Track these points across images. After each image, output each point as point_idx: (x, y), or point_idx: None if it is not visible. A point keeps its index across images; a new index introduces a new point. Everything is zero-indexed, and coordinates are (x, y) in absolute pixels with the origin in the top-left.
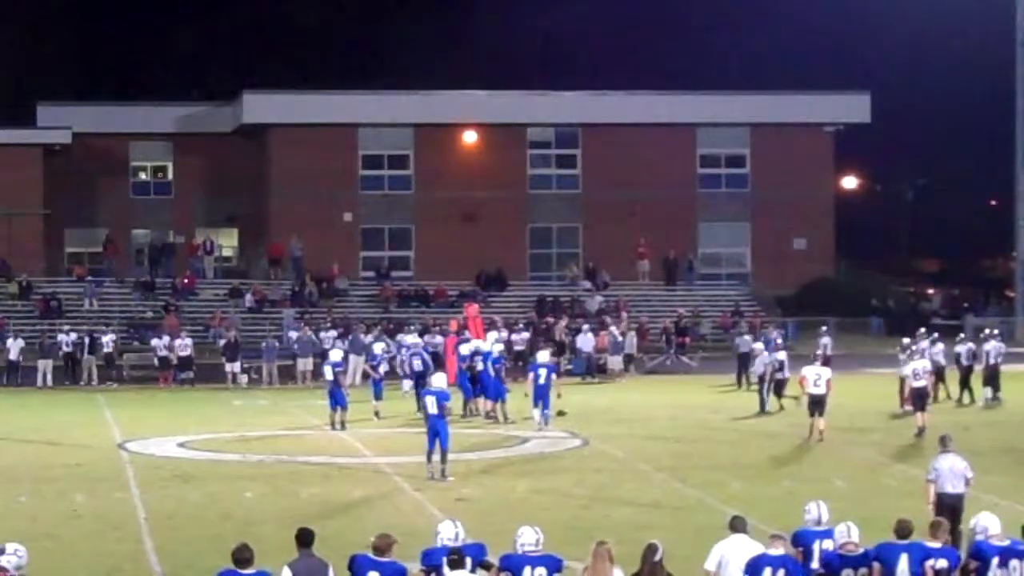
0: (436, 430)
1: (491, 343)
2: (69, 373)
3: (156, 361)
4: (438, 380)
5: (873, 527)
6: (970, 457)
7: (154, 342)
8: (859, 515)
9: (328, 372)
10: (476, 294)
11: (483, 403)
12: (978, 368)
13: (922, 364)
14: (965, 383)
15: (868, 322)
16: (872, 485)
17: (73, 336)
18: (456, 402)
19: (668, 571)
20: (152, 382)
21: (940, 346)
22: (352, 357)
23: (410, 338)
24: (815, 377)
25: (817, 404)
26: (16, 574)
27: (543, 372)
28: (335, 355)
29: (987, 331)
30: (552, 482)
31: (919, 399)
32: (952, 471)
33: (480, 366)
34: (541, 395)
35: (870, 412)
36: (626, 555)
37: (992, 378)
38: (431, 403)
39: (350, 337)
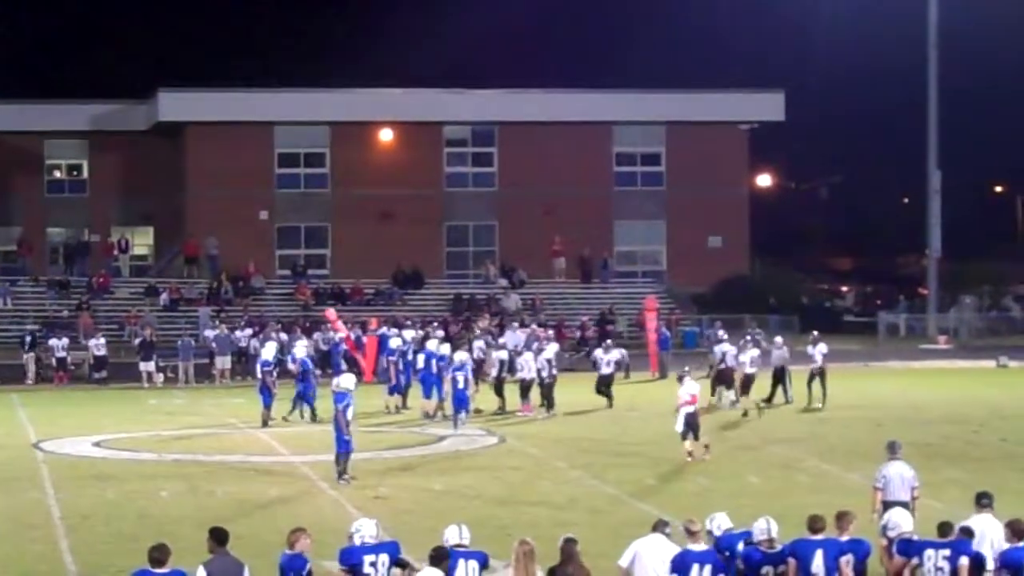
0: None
1: (432, 341)
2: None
3: (54, 362)
4: (346, 381)
5: (787, 523)
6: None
7: (52, 342)
8: (773, 511)
9: (258, 371)
10: (392, 292)
11: (424, 402)
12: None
13: (751, 354)
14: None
15: (786, 320)
16: (785, 481)
17: None
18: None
19: (585, 566)
20: (77, 382)
21: (822, 346)
22: None
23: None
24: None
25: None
26: None
27: (460, 375)
28: (266, 353)
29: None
30: (469, 480)
31: (748, 385)
32: (901, 479)
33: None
34: (462, 397)
35: (782, 409)
36: (544, 553)
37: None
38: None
39: (260, 336)
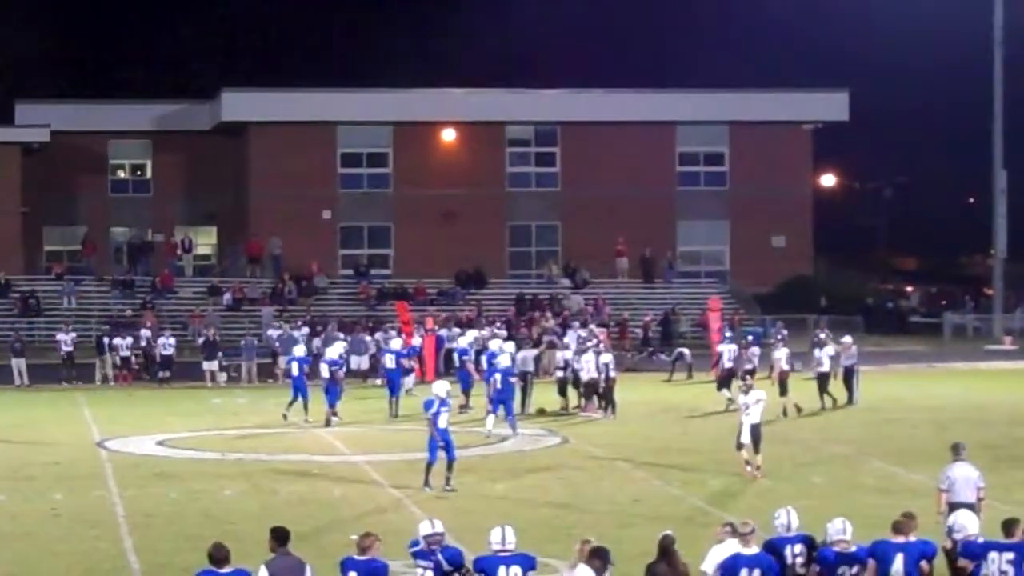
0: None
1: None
2: (67, 372)
3: (118, 360)
4: (437, 388)
5: (851, 524)
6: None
7: (116, 341)
8: (837, 512)
9: (324, 370)
10: (455, 292)
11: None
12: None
13: (784, 352)
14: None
15: (851, 320)
16: (849, 482)
17: (73, 335)
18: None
19: (684, 562)
20: (141, 381)
21: (829, 349)
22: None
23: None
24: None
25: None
26: None
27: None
28: (333, 352)
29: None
30: (531, 480)
31: (784, 383)
32: (966, 480)
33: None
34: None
35: (845, 409)
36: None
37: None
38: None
39: (323, 336)
